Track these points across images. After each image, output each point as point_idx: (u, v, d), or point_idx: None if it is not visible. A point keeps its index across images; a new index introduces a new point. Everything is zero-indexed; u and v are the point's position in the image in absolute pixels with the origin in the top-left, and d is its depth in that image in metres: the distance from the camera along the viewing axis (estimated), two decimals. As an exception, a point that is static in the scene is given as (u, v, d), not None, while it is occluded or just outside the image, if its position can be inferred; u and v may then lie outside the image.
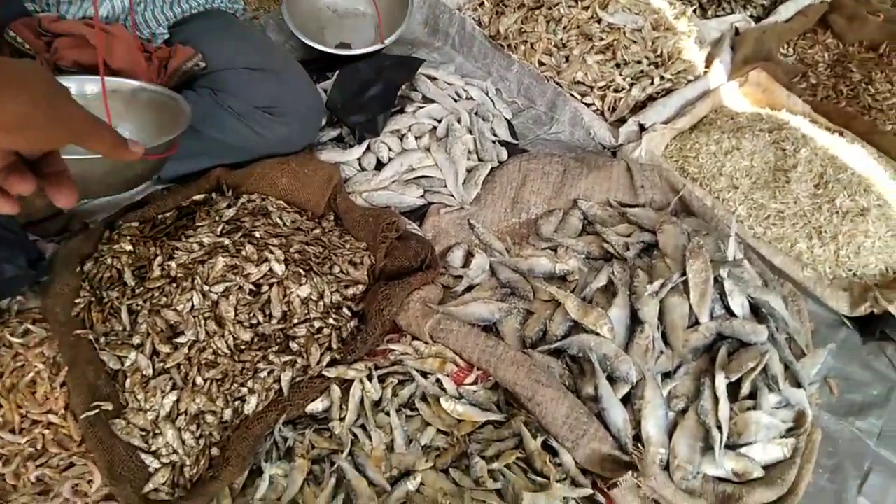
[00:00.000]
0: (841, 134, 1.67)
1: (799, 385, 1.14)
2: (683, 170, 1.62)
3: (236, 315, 1.20)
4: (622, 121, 1.73)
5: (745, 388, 1.11)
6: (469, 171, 1.56)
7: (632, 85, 1.75)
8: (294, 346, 1.20)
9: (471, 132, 1.61)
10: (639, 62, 1.78)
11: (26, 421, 1.12)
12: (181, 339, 1.18)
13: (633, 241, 1.38)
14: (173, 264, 1.27)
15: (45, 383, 1.15)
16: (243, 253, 1.26)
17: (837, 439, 1.23)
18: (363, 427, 1.11)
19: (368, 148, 1.58)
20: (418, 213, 1.53)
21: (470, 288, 1.38)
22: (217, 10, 1.61)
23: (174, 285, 1.25)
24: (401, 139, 1.59)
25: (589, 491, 1.05)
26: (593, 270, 1.36)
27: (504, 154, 1.62)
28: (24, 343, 1.20)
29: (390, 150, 1.58)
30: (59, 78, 1.17)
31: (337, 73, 1.70)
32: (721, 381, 1.10)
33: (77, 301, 1.26)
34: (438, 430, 1.11)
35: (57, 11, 1.39)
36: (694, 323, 1.21)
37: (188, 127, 1.25)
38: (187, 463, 1.09)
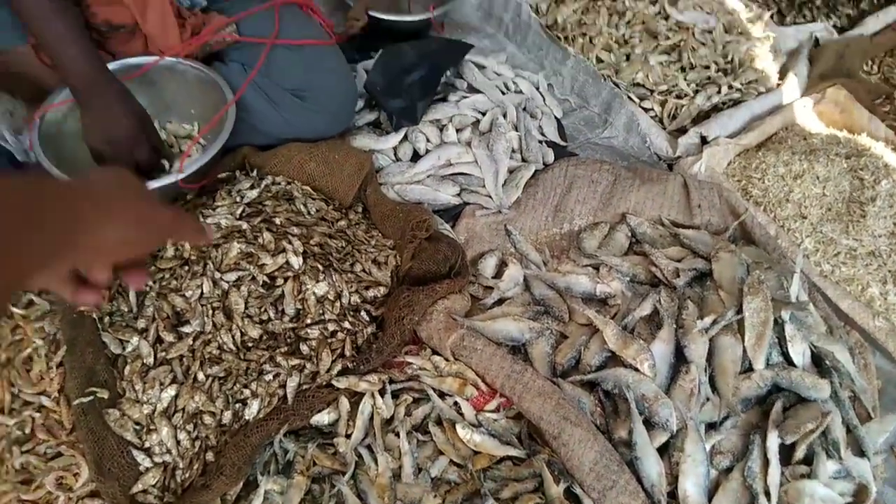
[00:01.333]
0: (927, 167, 1.51)
1: (862, 454, 1.01)
2: (746, 191, 1.47)
3: (246, 308, 1.12)
4: (682, 131, 1.59)
5: (801, 452, 0.99)
6: (511, 171, 1.44)
7: (696, 92, 1.60)
8: (304, 348, 1.11)
9: (516, 129, 1.49)
10: (706, 67, 1.63)
11: (17, 401, 1.05)
12: (186, 329, 1.10)
13: (684, 267, 1.25)
14: (187, 245, 1.19)
15: (42, 361, 1.08)
16: (260, 240, 1.18)
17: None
18: (370, 447, 1.02)
19: (405, 137, 1.48)
20: (452, 213, 1.42)
21: (500, 301, 1.28)
22: None
23: (185, 268, 1.17)
24: (441, 130, 1.48)
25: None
26: (637, 296, 1.24)
27: (550, 156, 1.50)
28: (26, 315, 1.13)
29: (428, 141, 1.47)
30: (110, 65, 1.23)
31: (379, 52, 1.59)
32: (774, 441, 0.97)
33: (85, 280, 1.19)
34: (451, 462, 1.01)
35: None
36: (747, 369, 1.08)
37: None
38: (180, 466, 1.01)
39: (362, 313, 1.18)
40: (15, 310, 1.14)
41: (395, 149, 1.48)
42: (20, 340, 1.11)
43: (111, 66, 1.30)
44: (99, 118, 1.16)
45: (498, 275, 1.31)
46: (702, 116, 1.61)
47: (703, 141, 1.53)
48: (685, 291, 1.22)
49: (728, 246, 1.26)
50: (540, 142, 1.52)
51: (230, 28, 1.39)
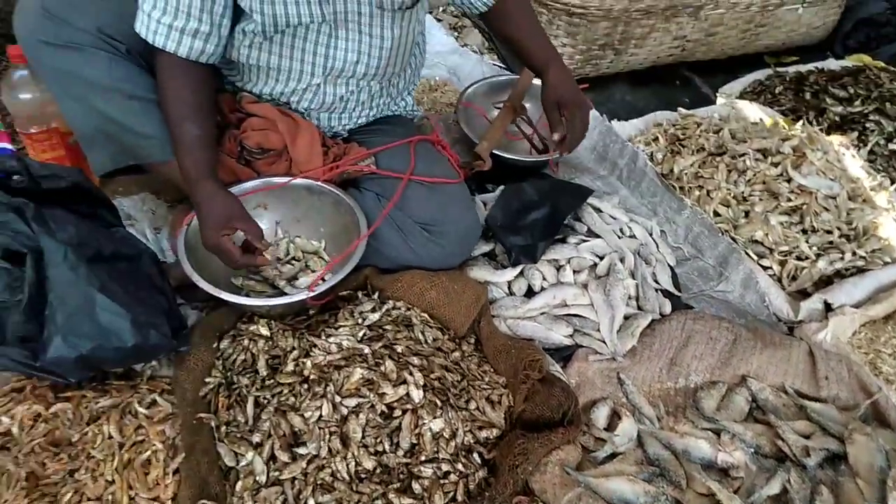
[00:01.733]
0: None
1: None
2: (875, 366, 1.40)
3: (363, 437, 1.11)
4: (802, 293, 1.55)
5: None
6: (626, 318, 1.43)
7: (818, 256, 1.57)
8: (417, 487, 1.08)
9: (633, 276, 1.49)
10: (829, 232, 1.61)
11: (132, 504, 1.06)
12: (302, 451, 1.10)
13: (814, 445, 1.18)
14: (308, 363, 1.22)
15: (160, 466, 1.10)
16: (382, 368, 1.19)
17: None
18: None
19: (521, 273, 1.50)
20: (563, 354, 1.41)
21: (612, 456, 1.23)
22: (397, 117, 1.63)
23: (305, 386, 1.19)
24: (557, 270, 1.50)
25: None
26: (763, 471, 1.17)
27: (667, 307, 1.48)
28: (149, 415, 1.17)
29: (544, 279, 1.48)
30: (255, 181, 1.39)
31: (501, 189, 1.66)
32: None
33: (207, 381, 1.22)
34: None
35: (259, 90, 1.44)
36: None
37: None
38: None
39: (475, 455, 1.16)
40: (140, 409, 1.17)
41: (509, 283, 1.49)
42: (142, 441, 1.13)
43: (256, 181, 1.40)
44: (201, 216, 1.25)
45: (609, 425, 1.27)
46: (823, 281, 1.57)
47: (827, 307, 1.49)
48: (817, 474, 1.15)
49: (863, 428, 1.19)
50: (655, 290, 1.51)
51: (369, 160, 1.48)
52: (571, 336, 1.42)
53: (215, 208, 1.23)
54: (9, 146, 1.60)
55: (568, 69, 1.55)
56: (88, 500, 1.05)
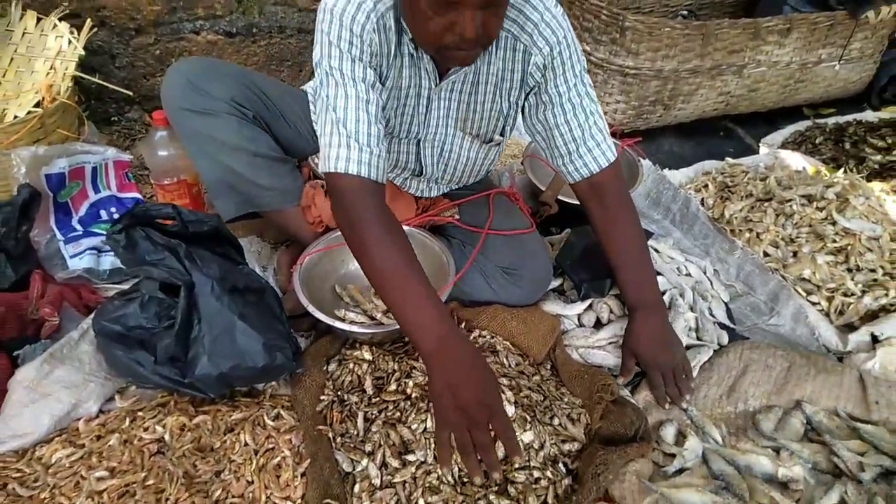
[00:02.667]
0: None
1: None
2: (922, 393, 1.52)
3: (464, 447, 1.28)
4: (850, 326, 1.68)
5: None
6: (688, 348, 1.58)
7: (864, 292, 1.71)
8: (512, 490, 1.24)
9: (692, 310, 1.65)
10: (873, 270, 1.75)
11: (269, 502, 1.24)
12: (411, 458, 1.27)
13: (869, 462, 1.30)
14: (410, 383, 1.40)
15: (289, 470, 1.27)
16: (477, 388, 1.36)
17: None
18: None
19: (590, 306, 1.66)
20: (631, 381, 1.55)
21: (680, 471, 1.36)
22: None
23: (409, 403, 1.37)
24: (623, 303, 1.66)
25: None
26: (821, 485, 1.30)
27: (725, 338, 1.63)
28: (276, 427, 1.35)
29: (611, 311, 1.65)
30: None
31: (568, 231, 1.84)
32: None
33: (322, 398, 1.41)
34: None
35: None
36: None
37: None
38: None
39: (560, 465, 1.31)
40: (268, 421, 1.36)
41: (579, 315, 1.66)
42: (272, 449, 1.32)
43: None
44: (449, 380, 1.11)
45: (676, 444, 1.40)
46: (869, 316, 1.70)
47: (874, 339, 1.62)
48: (871, 487, 1.27)
49: (914, 447, 1.31)
50: (713, 323, 1.66)
51: (453, 211, 1.69)
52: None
53: (474, 374, 1.12)
54: (138, 195, 1.85)
55: (658, 320, 1.46)
56: (233, 497, 1.22)
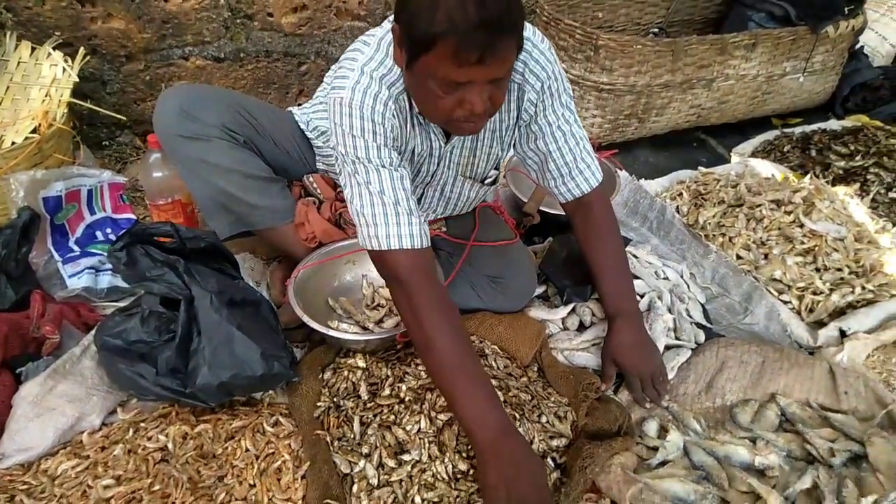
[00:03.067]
0: None
1: None
2: (888, 384, 1.60)
3: (457, 444, 1.34)
4: (820, 323, 1.77)
5: None
6: (668, 348, 1.66)
7: (832, 290, 1.80)
8: (504, 485, 1.30)
9: (670, 311, 1.73)
10: (840, 269, 1.84)
11: (271, 504, 1.29)
12: (406, 457, 1.33)
13: (839, 448, 1.38)
14: (403, 387, 1.46)
15: (290, 473, 1.32)
16: (468, 389, 1.42)
17: None
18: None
19: (573, 310, 1.74)
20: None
21: (663, 464, 1.43)
22: None
23: (403, 406, 1.43)
24: (604, 307, 1.74)
25: None
26: (795, 471, 1.37)
27: (702, 336, 1.71)
28: (276, 433, 1.40)
29: (593, 314, 1.72)
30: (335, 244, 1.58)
31: (550, 240, 1.92)
32: None
33: (318, 404, 1.46)
34: None
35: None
36: (913, 550, 1.17)
37: None
38: (400, 575, 1.19)
39: (549, 459, 1.37)
40: (267, 427, 1.41)
41: (563, 319, 1.73)
42: (273, 454, 1.36)
43: (348, 242, 1.68)
44: (505, 473, 1.15)
45: (658, 438, 1.47)
46: (837, 312, 1.79)
47: (842, 334, 1.70)
48: (842, 471, 1.34)
49: (880, 432, 1.39)
50: (690, 323, 1.74)
51: (440, 224, 1.76)
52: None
53: (528, 469, 1.18)
54: (133, 216, 1.90)
55: (635, 328, 1.54)
56: (237, 499, 1.27)
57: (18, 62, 1.94)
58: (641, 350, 1.53)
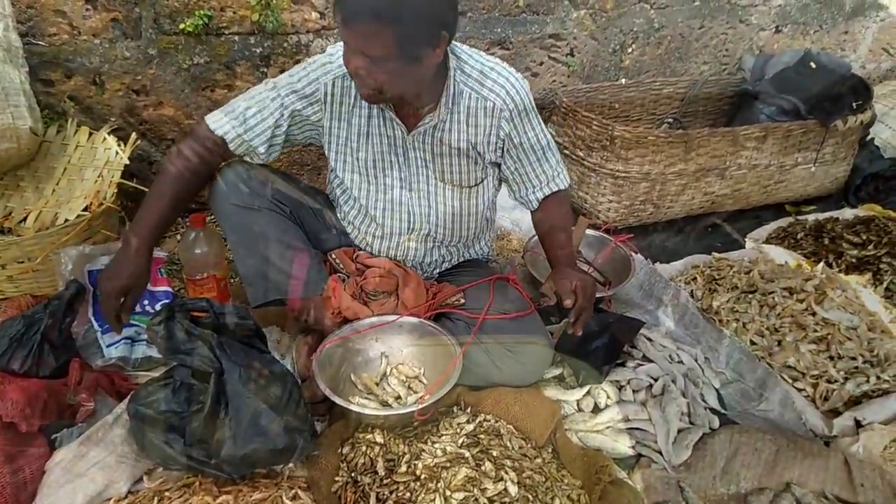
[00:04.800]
0: None
1: None
2: (906, 476, 1.60)
3: (470, 524, 1.36)
4: (835, 412, 1.78)
5: None
6: (680, 431, 1.68)
7: (846, 379, 1.82)
8: (517, 567, 1.31)
9: (684, 395, 1.76)
10: (854, 358, 1.86)
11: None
12: (421, 535, 1.35)
13: (855, 540, 1.37)
14: (420, 464, 1.49)
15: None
16: (483, 468, 1.45)
17: None
18: None
19: (588, 392, 1.77)
20: (627, 463, 1.64)
21: (678, 550, 1.43)
22: (477, 261, 2.01)
23: (418, 483, 1.46)
24: (619, 389, 1.77)
25: None
26: (811, 563, 1.36)
27: (716, 422, 1.73)
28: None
29: (608, 397, 1.76)
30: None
31: (566, 321, 1.97)
32: None
33: (336, 479, 1.50)
34: None
35: (372, 248, 1.85)
36: None
37: None
38: None
39: (561, 543, 1.39)
40: (287, 501, 1.45)
41: (578, 401, 1.77)
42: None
43: (373, 319, 1.76)
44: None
45: (673, 526, 1.48)
46: (852, 401, 1.80)
47: (858, 423, 1.71)
48: (859, 565, 1.33)
49: (897, 526, 1.38)
50: (704, 408, 1.76)
51: (459, 296, 1.84)
52: (634, 447, 1.67)
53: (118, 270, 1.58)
54: (169, 289, 2.01)
55: (567, 270, 1.76)
56: (255, 571, 1.30)
57: (76, 146, 2.11)
58: (575, 275, 1.71)
